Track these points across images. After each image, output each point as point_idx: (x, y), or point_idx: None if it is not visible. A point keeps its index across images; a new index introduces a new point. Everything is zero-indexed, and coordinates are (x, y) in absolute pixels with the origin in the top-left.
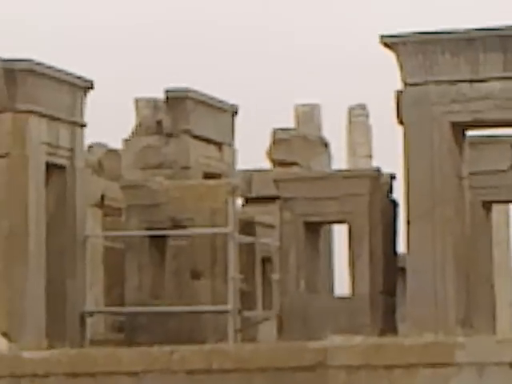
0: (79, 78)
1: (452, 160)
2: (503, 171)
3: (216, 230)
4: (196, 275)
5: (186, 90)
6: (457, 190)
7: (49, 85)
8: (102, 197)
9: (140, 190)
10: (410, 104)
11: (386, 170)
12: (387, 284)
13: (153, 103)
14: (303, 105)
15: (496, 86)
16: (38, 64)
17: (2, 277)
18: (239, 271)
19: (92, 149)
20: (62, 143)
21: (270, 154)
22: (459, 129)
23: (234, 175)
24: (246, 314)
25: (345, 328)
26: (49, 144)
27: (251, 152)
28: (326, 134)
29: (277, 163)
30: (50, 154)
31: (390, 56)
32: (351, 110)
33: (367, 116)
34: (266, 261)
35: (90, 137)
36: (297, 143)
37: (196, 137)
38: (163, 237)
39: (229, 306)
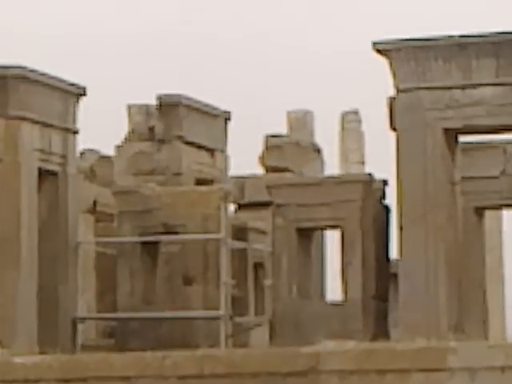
0: (72, 84)
1: (444, 166)
2: (495, 177)
3: (208, 235)
4: (188, 281)
5: (179, 97)
6: (449, 195)
7: (41, 91)
8: (95, 203)
9: (132, 196)
10: (403, 110)
11: (379, 175)
12: (379, 289)
13: (145, 109)
14: (296, 111)
15: (488, 92)
16: (31, 71)
17: None
18: (231, 277)
19: (84, 155)
20: (55, 149)
21: (262, 160)
22: (452, 135)
23: (227, 181)
24: (238, 319)
25: (337, 333)
26: (41, 150)
27: (244, 158)
28: (319, 140)
29: (269, 169)
30: (42, 160)
31: (382, 62)
32: (344, 116)
33: (360, 122)
34: (258, 266)
35: (82, 143)
36: (289, 149)
37: (188, 143)
38: (155, 243)
39: (221, 312)
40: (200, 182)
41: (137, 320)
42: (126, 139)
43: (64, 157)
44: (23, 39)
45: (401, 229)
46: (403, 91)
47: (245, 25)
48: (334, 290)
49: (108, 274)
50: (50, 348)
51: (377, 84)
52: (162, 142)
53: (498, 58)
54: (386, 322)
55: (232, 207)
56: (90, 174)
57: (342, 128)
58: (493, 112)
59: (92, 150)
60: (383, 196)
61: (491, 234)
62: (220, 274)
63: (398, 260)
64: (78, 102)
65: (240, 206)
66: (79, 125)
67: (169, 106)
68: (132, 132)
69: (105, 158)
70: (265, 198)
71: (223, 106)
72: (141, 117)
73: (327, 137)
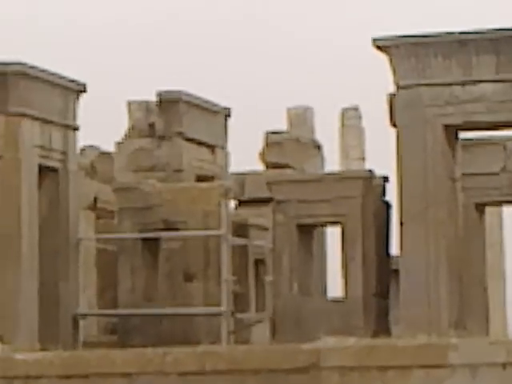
0: (72, 81)
1: (445, 162)
2: (496, 173)
3: (209, 232)
4: (189, 277)
5: (179, 93)
6: (450, 192)
7: (41, 88)
8: (95, 199)
9: (133, 193)
10: (403, 106)
11: (379, 172)
12: (380, 286)
13: (145, 106)
14: (296, 107)
15: (488, 88)
16: (31, 67)
17: None
18: (232, 273)
19: (85, 152)
20: (55, 146)
21: (262, 156)
22: (452, 131)
23: (227, 178)
24: (239, 316)
25: (338, 330)
26: (41, 147)
27: (244, 154)
28: (319, 136)
29: (270, 166)
30: (42, 156)
31: (382, 58)
32: (344, 112)
33: (360, 118)
34: (259, 263)
35: (82, 140)
36: (289, 146)
37: (189, 139)
38: (156, 239)
39: (222, 308)
40: (200, 178)
41: (138, 316)
42: (126, 136)
43: (64, 153)
44: (22, 35)
45: (401, 225)
46: (403, 88)
47: (246, 22)
48: (334, 287)
49: (109, 271)
50: (52, 344)
51: (377, 80)
52: (162, 138)
53: (498, 55)
54: (387, 318)
55: (232, 204)
56: (91, 171)
57: (342, 124)
58: (493, 108)
59: (92, 147)
60: (384, 192)
61: (492, 230)
62: (221, 270)
63: (398, 256)
64: (78, 98)
65: (240, 203)
66: (79, 121)
67: (169, 103)
68: (132, 128)
69: (105, 155)
70: (265, 194)
71: (223, 103)
72: (141, 113)
73: (327, 133)
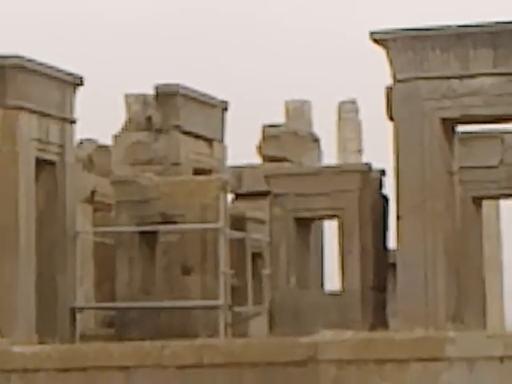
0: (69, 74)
1: (442, 155)
2: (493, 167)
3: (206, 225)
4: (186, 270)
5: (176, 86)
6: (447, 185)
7: (39, 81)
8: (92, 192)
9: (130, 186)
10: (401, 100)
11: (377, 165)
12: (378, 279)
13: (143, 99)
14: (293, 101)
15: (486, 81)
16: (28, 60)
17: None
18: (230, 266)
19: (82, 145)
20: (52, 139)
21: (260, 149)
22: (449, 124)
23: (225, 171)
24: (237, 309)
25: (335, 323)
26: (39, 140)
27: (241, 148)
28: (317, 129)
29: (267, 159)
30: (40, 149)
31: (380, 52)
32: (341, 105)
33: (357, 112)
34: (256, 256)
35: (80, 133)
36: (287, 139)
37: (186, 133)
38: (153, 232)
39: (219, 301)
40: (198, 171)
41: (135, 309)
42: (123, 129)
43: (62, 146)
44: (20, 29)
45: (399, 218)
46: (401, 81)
47: (243, 15)
48: (332, 280)
49: (106, 264)
50: (49, 337)
51: (374, 73)
52: (159, 131)
53: (496, 48)
54: (385, 311)
55: (230, 197)
56: (88, 164)
57: (340, 118)
58: (490, 102)
59: (90, 140)
60: (381, 186)
61: (489, 223)
62: (218, 263)
63: (396, 250)
64: (75, 91)
65: (238, 196)
66: (77, 114)
67: (166, 96)
68: (129, 122)
69: (102, 148)
70: (263, 187)
71: (221, 96)
72: (138, 106)
73: (325, 126)
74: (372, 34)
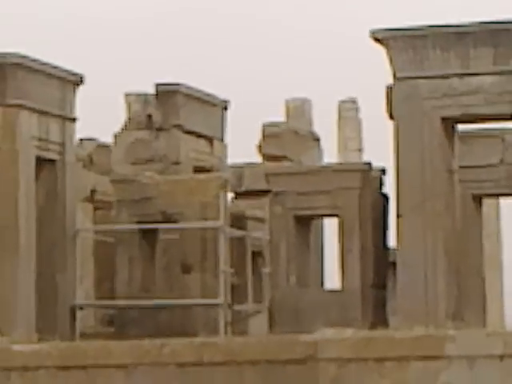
0: (70, 72)
1: (442, 154)
2: (493, 165)
3: (206, 224)
4: (186, 269)
5: (177, 85)
6: (447, 183)
7: (39, 79)
8: (93, 191)
9: (130, 185)
10: (401, 99)
11: (377, 164)
12: (378, 278)
13: (143, 98)
14: (294, 99)
15: (486, 80)
16: (29, 59)
17: None
18: (230, 265)
19: (82, 143)
20: (53, 137)
21: (260, 148)
22: (450, 123)
23: (225, 169)
24: (237, 307)
25: (335, 321)
26: (39, 138)
27: (242, 146)
28: (317, 128)
29: (267, 158)
30: (40, 148)
31: (380, 51)
32: (342, 104)
33: (357, 110)
34: (256, 254)
35: (80, 131)
36: (287, 137)
37: (187, 131)
38: (154, 231)
39: (219, 300)
40: (198, 170)
41: (135, 308)
42: (124, 127)
43: (62, 145)
44: (20, 27)
45: (399, 217)
46: (401, 80)
47: (243, 15)
48: (332, 279)
49: (106, 262)
50: (49, 336)
51: (375, 72)
52: (160, 130)
53: (496, 47)
54: (385, 310)
55: (230, 195)
56: (88, 162)
57: (340, 116)
58: (491, 100)
59: (90, 138)
60: (381, 184)
61: (489, 221)
62: (218, 261)
63: (396, 248)
64: (76, 89)
65: (238, 195)
66: (77, 113)
67: (167, 94)
68: (130, 120)
69: (103, 146)
70: (263, 186)
71: (221, 94)
72: (139, 105)
73: (325, 125)
74: (373, 32)
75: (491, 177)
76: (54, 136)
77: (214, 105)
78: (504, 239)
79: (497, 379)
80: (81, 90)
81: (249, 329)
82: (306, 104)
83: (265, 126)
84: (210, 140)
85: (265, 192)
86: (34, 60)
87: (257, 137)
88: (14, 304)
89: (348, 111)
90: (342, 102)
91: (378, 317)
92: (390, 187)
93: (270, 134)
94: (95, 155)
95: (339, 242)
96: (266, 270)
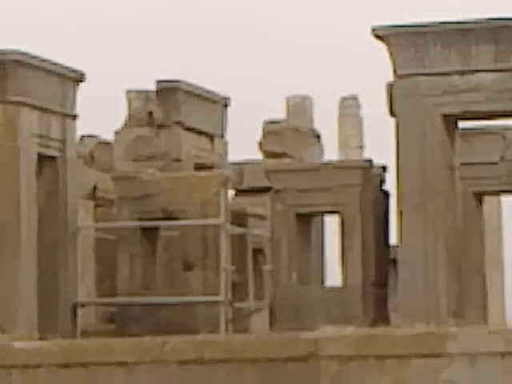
0: (70, 69)
1: (443, 151)
2: (494, 163)
3: (207, 221)
4: (188, 266)
5: (178, 82)
6: (448, 181)
7: (40, 76)
8: (94, 188)
9: (131, 182)
10: (402, 96)
11: (378, 161)
12: (379, 275)
13: (144, 95)
14: (295, 96)
15: (487, 77)
16: (30, 56)
17: None
18: (231, 262)
19: (83, 140)
20: (54, 135)
21: (261, 145)
22: (451, 120)
23: (226, 167)
24: (238, 304)
25: (336, 319)
26: (40, 136)
27: (243, 143)
28: (318, 125)
29: (268, 155)
30: (41, 145)
31: (381, 48)
32: (342, 101)
33: (358, 107)
34: (257, 252)
35: (81, 128)
36: (288, 135)
37: (187, 128)
38: (155, 228)
39: (220, 297)
40: (199, 167)
41: (136, 305)
42: (124, 125)
43: (63, 142)
44: (22, 24)
45: (400, 214)
46: (402, 77)
47: (243, 15)
48: (333, 276)
49: (107, 260)
50: (50, 333)
51: (376, 69)
52: (160, 127)
53: (497, 44)
54: (386, 307)
55: (231, 193)
56: (90, 160)
57: (341, 113)
58: (492, 98)
59: (91, 136)
60: (382, 182)
61: (490, 219)
62: (219, 259)
63: (397, 245)
64: (77, 87)
65: (239, 192)
66: (78, 110)
67: (168, 91)
68: (131, 117)
69: (104, 144)
70: (264, 183)
71: (222, 92)
72: (140, 102)
73: (326, 122)
74: (374, 29)
75: (492, 174)
76: (55, 133)
77: (215, 102)
78: (505, 237)
79: (498, 377)
80: (82, 87)
81: (250, 326)
82: (307, 101)
83: (265, 123)
84: (210, 137)
85: (266, 189)
86: (35, 57)
87: (257, 134)
88: (16, 302)
89: (349, 108)
90: (343, 99)
91: (379, 314)
92: (390, 184)
93: (270, 131)
94: (96, 152)
95: (340, 239)
96: (267, 267)
